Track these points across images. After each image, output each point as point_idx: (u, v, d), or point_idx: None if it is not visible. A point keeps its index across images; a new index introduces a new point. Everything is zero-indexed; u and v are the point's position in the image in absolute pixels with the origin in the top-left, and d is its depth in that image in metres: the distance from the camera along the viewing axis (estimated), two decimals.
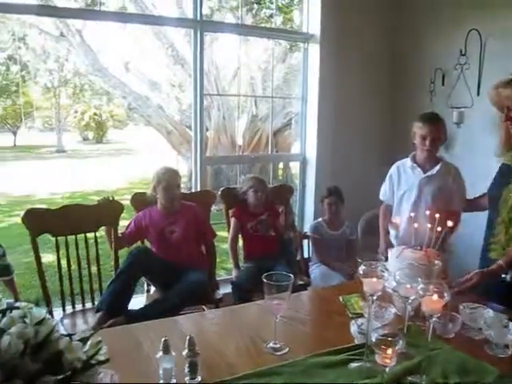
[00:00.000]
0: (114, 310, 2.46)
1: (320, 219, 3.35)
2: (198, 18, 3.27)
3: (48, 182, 11.81)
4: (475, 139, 3.32)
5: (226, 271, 4.79)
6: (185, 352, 1.33)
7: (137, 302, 2.83)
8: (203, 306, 2.97)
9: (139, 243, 2.89)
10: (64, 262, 2.56)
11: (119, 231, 2.77)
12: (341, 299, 1.89)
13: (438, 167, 2.53)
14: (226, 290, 3.00)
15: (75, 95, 20.48)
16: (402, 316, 1.67)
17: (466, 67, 3.38)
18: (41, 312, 0.85)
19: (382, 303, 1.62)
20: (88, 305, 2.67)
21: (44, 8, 4.48)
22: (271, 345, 1.50)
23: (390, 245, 2.61)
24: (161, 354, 1.31)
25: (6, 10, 3.83)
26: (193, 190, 3.40)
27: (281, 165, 9.01)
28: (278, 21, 8.34)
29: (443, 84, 3.59)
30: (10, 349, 0.73)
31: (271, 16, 8.76)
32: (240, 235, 3.19)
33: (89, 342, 0.90)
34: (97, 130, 22.05)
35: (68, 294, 2.63)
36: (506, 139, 1.95)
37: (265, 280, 1.43)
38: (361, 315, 1.70)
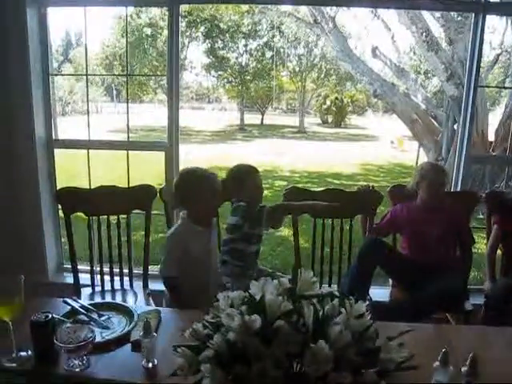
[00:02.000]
0: (354, 294, 2.46)
1: None
2: None
3: (288, 161, 12.63)
4: None
5: None
6: (464, 369, 1.22)
7: (379, 293, 2.82)
8: (447, 315, 2.79)
9: None
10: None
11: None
12: None
13: None
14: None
15: (320, 80, 21.42)
16: None
17: None
18: (361, 306, 0.85)
19: None
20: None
21: None
22: None
23: None
24: (438, 364, 1.24)
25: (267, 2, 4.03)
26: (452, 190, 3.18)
27: None
28: None
29: None
30: (341, 338, 0.74)
31: None
32: (501, 245, 2.86)
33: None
34: (336, 115, 22.68)
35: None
36: None
37: None
38: None
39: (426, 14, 8.15)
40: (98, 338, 1.38)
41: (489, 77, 9.94)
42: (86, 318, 1.54)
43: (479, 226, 3.49)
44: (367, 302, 2.40)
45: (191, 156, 11.06)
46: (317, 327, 0.74)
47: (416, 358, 1.27)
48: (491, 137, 8.17)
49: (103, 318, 1.56)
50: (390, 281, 2.87)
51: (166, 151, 3.16)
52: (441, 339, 1.53)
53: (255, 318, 0.71)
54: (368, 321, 0.80)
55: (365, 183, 2.86)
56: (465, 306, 2.57)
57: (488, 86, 7.19)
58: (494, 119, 8.74)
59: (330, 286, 2.74)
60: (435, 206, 2.67)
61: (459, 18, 7.92)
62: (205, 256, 2.17)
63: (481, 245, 3.45)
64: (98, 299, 2.44)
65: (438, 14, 8.14)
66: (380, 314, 2.16)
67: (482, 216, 3.77)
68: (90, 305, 1.64)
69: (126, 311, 1.61)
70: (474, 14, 3.00)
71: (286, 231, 5.69)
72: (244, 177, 2.44)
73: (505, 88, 10.04)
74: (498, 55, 10.24)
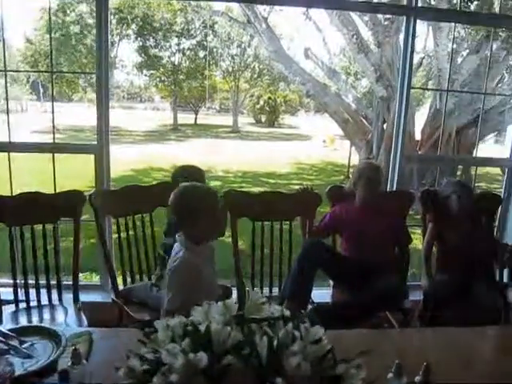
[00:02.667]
0: (297, 298, 2.43)
1: None
2: (413, 3, 3.02)
3: (222, 161, 12.55)
4: None
5: None
6: (417, 378, 1.19)
7: (320, 294, 2.79)
8: (388, 314, 2.82)
9: None
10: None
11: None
12: None
13: None
14: None
15: (253, 80, 21.51)
16: None
17: None
18: (318, 330, 0.77)
19: None
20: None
21: None
22: None
23: None
24: (391, 376, 1.20)
25: None
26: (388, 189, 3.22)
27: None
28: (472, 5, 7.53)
29: None
30: (300, 371, 0.66)
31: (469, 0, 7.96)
32: (436, 243, 2.92)
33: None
34: (269, 115, 22.87)
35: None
36: None
37: None
38: None
39: (355, 18, 8.35)
40: (19, 371, 1.21)
41: (414, 79, 10.39)
42: (4, 347, 1.36)
43: (413, 223, 3.57)
44: (310, 306, 2.39)
45: (123, 156, 10.70)
46: (271, 359, 0.65)
47: (368, 367, 1.23)
48: (418, 136, 8.53)
49: (25, 345, 1.37)
50: (331, 282, 2.85)
51: (96, 154, 2.97)
52: (388, 345, 1.51)
53: (201, 356, 0.62)
54: (326, 345, 0.72)
55: (299, 183, 2.84)
56: (404, 304, 2.60)
57: (418, 88, 7.52)
58: (420, 119, 9.12)
59: (271, 288, 2.69)
60: (373, 205, 2.68)
61: (386, 23, 8.18)
62: (213, 276, 2.00)
63: (416, 241, 3.52)
64: (22, 318, 2.23)
65: (366, 18, 8.36)
66: (323, 317, 2.14)
67: (412, 212, 3.87)
68: (10, 330, 1.46)
69: (52, 335, 1.43)
70: (405, 18, 3.06)
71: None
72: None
73: (428, 89, 10.54)
74: (422, 59, 10.74)
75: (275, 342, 0.66)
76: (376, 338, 1.58)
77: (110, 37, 2.91)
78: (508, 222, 3.51)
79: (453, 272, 2.78)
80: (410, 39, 3.02)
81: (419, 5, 3.07)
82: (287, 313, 0.81)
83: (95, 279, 3.91)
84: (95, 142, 2.97)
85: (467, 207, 2.80)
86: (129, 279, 2.58)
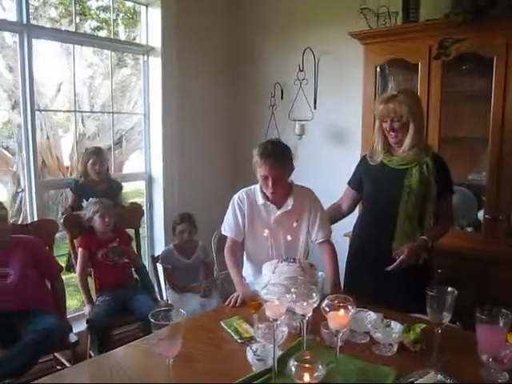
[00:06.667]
0: None
1: (171, 245, 3.15)
2: (25, 20, 2.83)
3: None
4: (316, 149, 3.52)
5: None
6: None
7: None
8: (55, 354, 2.62)
9: None
10: None
11: None
12: (223, 325, 1.76)
13: (291, 201, 2.16)
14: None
15: None
16: (294, 333, 1.63)
17: (305, 82, 3.55)
18: None
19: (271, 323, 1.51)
20: None
21: None
22: None
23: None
24: None
25: None
26: (29, 221, 2.94)
27: None
28: (103, 33, 7.90)
29: (282, 98, 3.72)
30: None
31: (97, 28, 8.30)
32: (90, 266, 2.85)
33: None
34: None
35: None
36: (383, 144, 2.18)
37: (153, 320, 1.25)
38: (250, 339, 1.60)
39: None
40: None
41: (55, 103, 10.14)
42: None
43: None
44: None
45: None
46: None
47: None
48: (67, 161, 8.38)
49: None
50: None
51: None
52: None
53: None
54: None
55: None
56: (69, 338, 2.46)
57: (48, 110, 7.40)
58: (68, 145, 8.97)
59: None
60: (2, 244, 2.39)
61: (15, 46, 7.73)
62: None
63: None
64: None
65: None
66: None
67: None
68: None
69: None
70: (18, 36, 2.88)
71: None
72: None
73: (63, 111, 10.52)
74: (60, 84, 10.61)
75: None
76: None
77: None
78: (155, 230, 3.74)
79: (111, 290, 2.82)
80: (27, 59, 2.86)
81: (34, 23, 2.93)
82: None
83: None
84: None
85: (111, 224, 2.83)
86: None
